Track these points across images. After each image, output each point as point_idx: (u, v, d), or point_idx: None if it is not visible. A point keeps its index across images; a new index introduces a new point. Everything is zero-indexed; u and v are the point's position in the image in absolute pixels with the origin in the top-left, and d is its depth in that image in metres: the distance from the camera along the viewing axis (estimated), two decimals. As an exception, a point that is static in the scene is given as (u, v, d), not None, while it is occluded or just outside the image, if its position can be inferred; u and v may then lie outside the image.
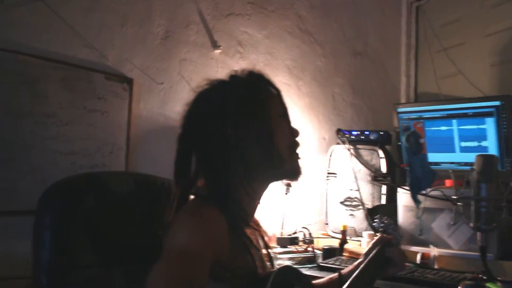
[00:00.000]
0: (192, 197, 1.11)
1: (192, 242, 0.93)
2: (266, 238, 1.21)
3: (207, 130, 1.08)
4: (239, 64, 2.19)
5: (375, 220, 1.29)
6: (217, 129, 1.07)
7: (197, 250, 0.92)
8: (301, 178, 1.16)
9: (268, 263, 1.18)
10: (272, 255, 1.23)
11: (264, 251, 1.18)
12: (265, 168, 1.10)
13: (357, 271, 1.15)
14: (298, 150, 1.16)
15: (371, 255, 1.19)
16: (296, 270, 1.13)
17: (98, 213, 1.14)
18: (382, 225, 1.26)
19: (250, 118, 1.07)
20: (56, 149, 1.60)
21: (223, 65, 2.14)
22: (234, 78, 1.14)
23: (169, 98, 1.96)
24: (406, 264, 1.35)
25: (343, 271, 1.27)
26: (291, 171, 1.14)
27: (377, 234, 1.30)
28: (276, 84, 1.16)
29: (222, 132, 1.06)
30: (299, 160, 1.15)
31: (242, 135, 1.06)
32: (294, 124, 1.17)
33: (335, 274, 1.28)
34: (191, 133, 1.10)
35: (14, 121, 1.52)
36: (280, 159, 1.10)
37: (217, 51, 2.12)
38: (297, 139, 1.16)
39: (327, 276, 1.31)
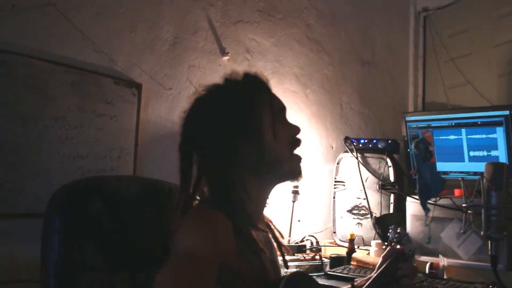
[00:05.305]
0: (197, 202, 1.09)
1: (199, 246, 0.91)
2: (280, 239, 1.18)
3: (205, 136, 1.06)
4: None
5: (389, 231, 1.28)
6: (214, 134, 1.05)
7: (204, 254, 0.90)
8: (301, 179, 1.12)
9: (282, 265, 1.16)
10: (286, 256, 1.20)
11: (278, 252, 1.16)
12: (265, 170, 1.08)
13: (367, 283, 1.15)
14: (298, 150, 1.13)
15: (381, 268, 1.18)
16: (309, 276, 1.11)
17: (105, 217, 1.14)
18: (396, 235, 1.25)
19: (245, 120, 1.06)
20: (64, 152, 1.59)
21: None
22: (228, 81, 1.13)
23: (177, 103, 1.96)
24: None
25: (355, 283, 1.26)
26: (291, 172, 1.11)
27: (385, 244, 1.29)
28: (271, 85, 1.14)
29: (220, 137, 1.05)
30: (299, 160, 1.12)
31: (239, 138, 1.05)
32: (296, 123, 1.14)
33: (348, 286, 1.27)
34: (191, 140, 1.09)
35: (23, 124, 1.52)
36: (277, 160, 1.07)
37: (225, 58, 2.12)
38: (298, 136, 1.13)
39: (340, 287, 1.30)
